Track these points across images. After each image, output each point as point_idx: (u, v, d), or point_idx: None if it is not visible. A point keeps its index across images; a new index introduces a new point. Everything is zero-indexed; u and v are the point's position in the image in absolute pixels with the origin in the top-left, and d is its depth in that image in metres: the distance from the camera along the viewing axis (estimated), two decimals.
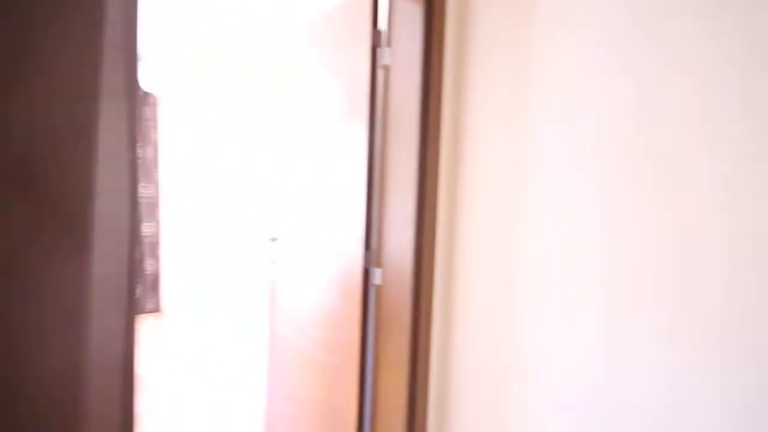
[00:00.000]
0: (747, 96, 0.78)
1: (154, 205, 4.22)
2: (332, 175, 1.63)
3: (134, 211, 0.73)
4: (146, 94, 4.17)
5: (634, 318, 0.95)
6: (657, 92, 0.91)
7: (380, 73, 1.53)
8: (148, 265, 4.16)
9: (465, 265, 1.35)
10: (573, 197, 1.06)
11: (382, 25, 1.55)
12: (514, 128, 1.20)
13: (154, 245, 4.21)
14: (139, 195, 4.11)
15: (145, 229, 4.16)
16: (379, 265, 1.50)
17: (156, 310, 4.24)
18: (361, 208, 1.49)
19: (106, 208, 0.67)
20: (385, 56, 1.49)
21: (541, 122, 1.13)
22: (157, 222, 4.26)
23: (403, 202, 1.39)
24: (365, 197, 1.47)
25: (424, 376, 1.39)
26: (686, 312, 0.86)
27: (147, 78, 3.79)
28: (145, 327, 3.71)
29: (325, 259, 1.67)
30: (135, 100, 0.70)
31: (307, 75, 1.80)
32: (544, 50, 1.13)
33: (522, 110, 1.18)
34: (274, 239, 1.95)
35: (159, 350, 3.20)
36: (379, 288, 1.50)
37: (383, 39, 1.51)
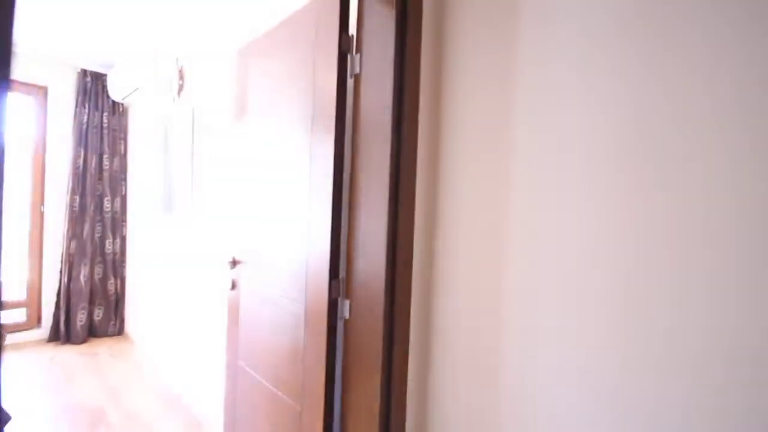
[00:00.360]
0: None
1: (119, 221, 3.97)
2: (296, 195, 1.46)
3: None
4: (115, 103, 3.95)
5: (630, 375, 0.79)
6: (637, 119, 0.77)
7: (350, 83, 1.38)
8: (111, 285, 3.88)
9: (445, 298, 1.18)
10: (561, 217, 0.92)
11: (352, 29, 1.41)
12: (499, 142, 1.05)
13: (118, 263, 3.94)
14: (104, 209, 3.85)
15: (108, 246, 3.89)
16: (347, 296, 1.33)
17: (118, 333, 3.96)
18: (327, 231, 1.32)
19: None
20: (355, 64, 1.33)
21: (529, 140, 0.99)
22: (123, 238, 4.00)
23: (375, 225, 1.23)
24: (331, 220, 1.31)
25: (399, 428, 1.21)
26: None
27: (115, 87, 3.58)
28: (104, 352, 3.43)
29: (287, 287, 1.49)
30: None
31: (269, 85, 1.63)
32: (530, 54, 0.99)
33: (507, 121, 1.04)
34: (234, 262, 1.77)
35: (117, 378, 2.94)
36: (347, 322, 1.33)
37: (353, 45, 1.36)
